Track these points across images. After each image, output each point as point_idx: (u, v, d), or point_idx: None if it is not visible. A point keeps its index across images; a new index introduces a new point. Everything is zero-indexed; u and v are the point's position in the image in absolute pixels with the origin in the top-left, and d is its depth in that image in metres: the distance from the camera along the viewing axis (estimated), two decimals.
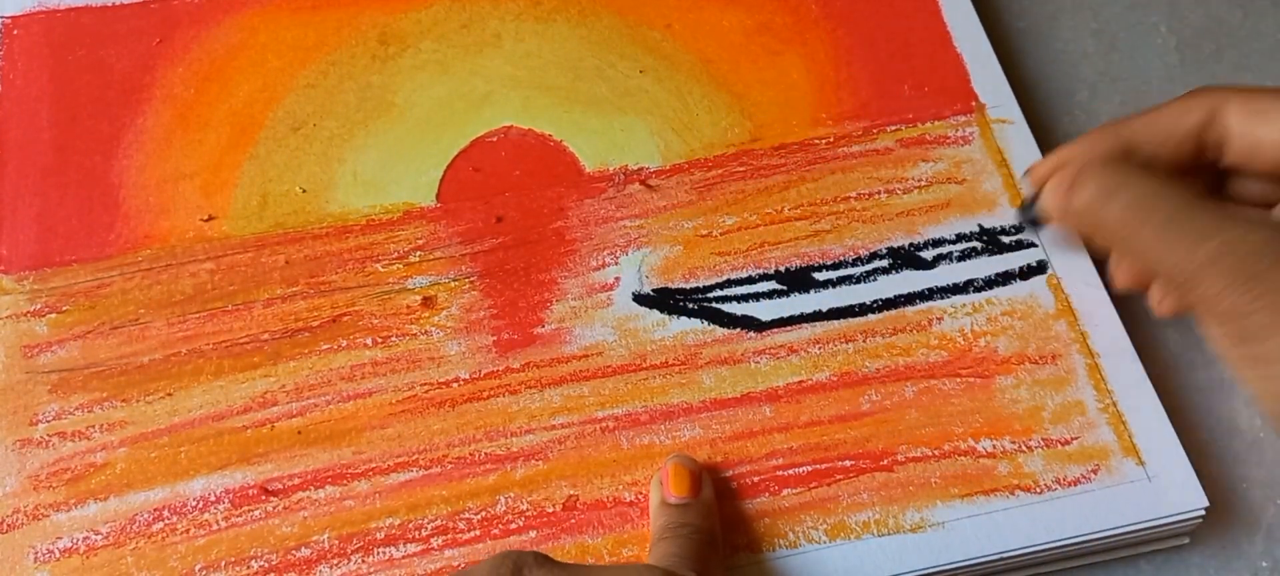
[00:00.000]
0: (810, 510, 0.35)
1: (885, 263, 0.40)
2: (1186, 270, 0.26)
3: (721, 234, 0.41)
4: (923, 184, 0.42)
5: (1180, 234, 0.26)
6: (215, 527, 0.35)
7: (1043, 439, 0.36)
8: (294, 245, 0.41)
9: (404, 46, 0.46)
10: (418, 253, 0.40)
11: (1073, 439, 0.36)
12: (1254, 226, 0.26)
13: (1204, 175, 0.32)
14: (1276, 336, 0.25)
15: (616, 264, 0.40)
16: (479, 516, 0.35)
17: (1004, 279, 0.40)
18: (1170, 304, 0.34)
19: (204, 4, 0.47)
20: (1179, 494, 0.35)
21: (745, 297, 0.39)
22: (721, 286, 0.40)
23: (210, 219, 0.41)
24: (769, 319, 0.39)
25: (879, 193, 0.42)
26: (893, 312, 0.39)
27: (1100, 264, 0.40)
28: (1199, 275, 0.26)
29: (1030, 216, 0.38)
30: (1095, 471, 0.35)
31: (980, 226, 0.41)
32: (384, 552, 0.34)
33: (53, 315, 0.39)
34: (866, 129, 0.43)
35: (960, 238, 0.41)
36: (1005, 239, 0.40)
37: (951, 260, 0.40)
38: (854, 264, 0.40)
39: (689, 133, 0.43)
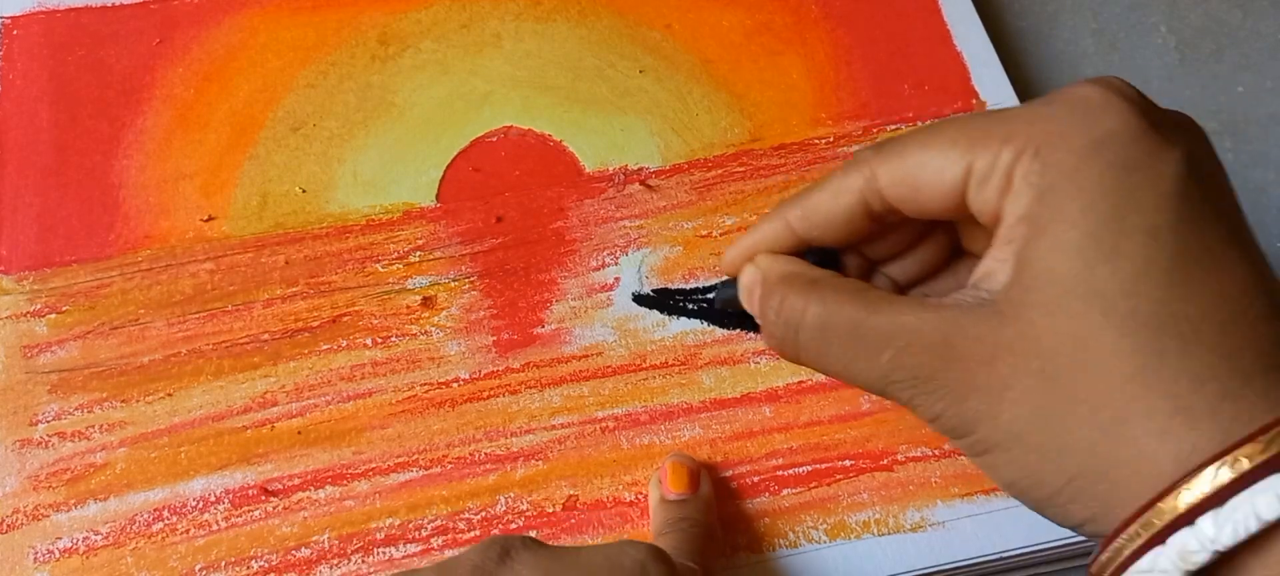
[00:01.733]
0: (810, 510, 0.35)
1: None
2: (877, 386, 0.25)
3: (721, 234, 0.41)
4: None
5: (857, 352, 0.25)
6: (215, 528, 0.35)
7: None
8: (294, 245, 0.41)
9: (404, 46, 0.46)
10: (418, 253, 0.40)
11: None
12: (921, 324, 0.24)
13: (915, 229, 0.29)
14: (974, 431, 0.23)
15: (616, 264, 0.40)
16: (479, 516, 0.35)
17: None
18: None
19: (204, 4, 0.47)
20: None
21: None
22: (721, 286, 0.40)
23: (210, 219, 0.41)
24: None
25: None
26: None
27: None
28: (887, 389, 0.24)
29: (729, 310, 0.32)
30: None
31: None
32: (384, 553, 0.34)
33: (53, 315, 0.39)
34: (866, 128, 0.43)
35: None
36: None
37: None
38: None
39: (689, 133, 0.43)
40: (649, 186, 0.42)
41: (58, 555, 0.34)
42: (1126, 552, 0.21)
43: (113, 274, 0.40)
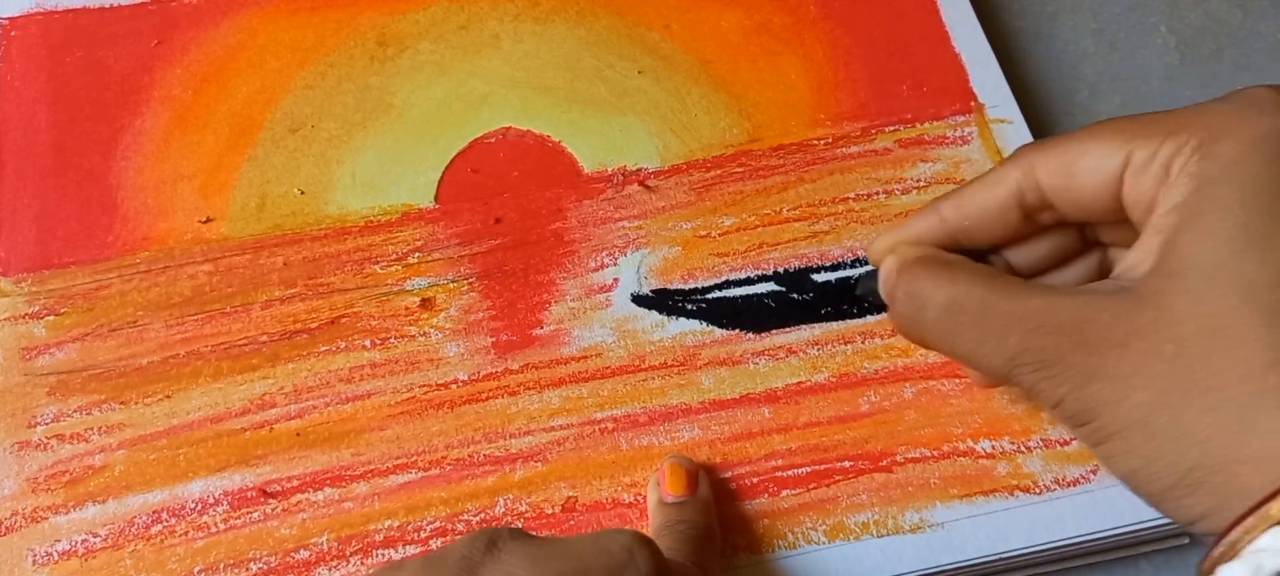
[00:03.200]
0: (809, 511, 0.35)
1: None
2: (1001, 370, 0.25)
3: (720, 235, 0.41)
4: (922, 184, 0.42)
5: (986, 334, 0.25)
6: (214, 530, 0.35)
7: (1042, 439, 0.36)
8: (292, 247, 0.41)
9: (402, 47, 0.46)
10: (416, 254, 0.40)
11: (1072, 439, 0.36)
12: (1053, 307, 0.24)
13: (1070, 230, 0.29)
14: (1096, 417, 0.23)
15: (615, 265, 0.40)
16: (478, 518, 0.35)
17: None
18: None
19: (202, 5, 0.47)
20: None
21: (744, 298, 0.39)
22: (720, 287, 0.40)
23: (208, 220, 0.41)
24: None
25: (878, 193, 0.42)
26: None
27: None
28: (1011, 373, 0.25)
29: (871, 292, 0.33)
30: (1095, 471, 0.35)
31: None
32: (383, 554, 0.34)
33: (51, 317, 0.39)
34: (865, 129, 0.43)
35: None
36: None
37: None
38: (853, 265, 0.40)
39: (687, 133, 0.43)
40: (648, 187, 0.42)
41: (56, 557, 0.34)
42: (1242, 545, 0.20)
43: (111, 276, 0.40)
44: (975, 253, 0.28)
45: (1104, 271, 0.28)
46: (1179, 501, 0.22)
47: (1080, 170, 0.25)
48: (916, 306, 0.27)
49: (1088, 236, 0.28)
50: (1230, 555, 0.21)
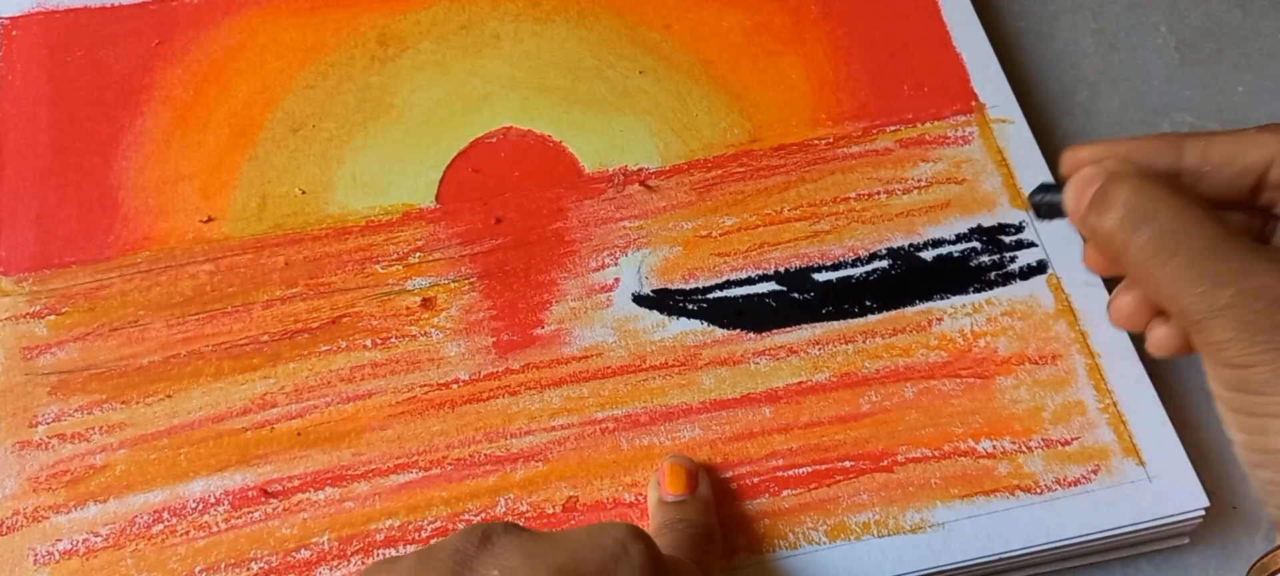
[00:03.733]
0: (810, 511, 0.35)
1: (885, 263, 0.40)
2: (1199, 313, 0.25)
3: (721, 235, 0.41)
4: (922, 184, 0.42)
5: (1201, 275, 0.25)
6: (215, 529, 0.35)
7: (1043, 439, 0.36)
8: (293, 246, 0.41)
9: (403, 48, 0.46)
10: (417, 254, 0.40)
11: (1073, 439, 0.36)
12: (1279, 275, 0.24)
13: (1254, 214, 0.29)
14: (1273, 394, 0.23)
15: (616, 265, 0.40)
16: (478, 518, 0.35)
17: (1004, 279, 0.40)
18: (1172, 345, 0.31)
19: (203, 5, 0.47)
20: (1179, 494, 0.35)
21: (745, 298, 0.39)
22: (721, 287, 0.40)
23: (209, 220, 0.41)
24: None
25: (879, 193, 0.42)
26: (892, 313, 0.39)
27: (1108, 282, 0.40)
28: (1211, 320, 0.24)
29: (1046, 203, 0.31)
30: (1095, 471, 0.35)
31: (980, 226, 0.41)
32: (384, 554, 0.34)
33: (52, 317, 0.39)
34: (866, 129, 0.43)
35: (960, 238, 0.41)
36: (1005, 238, 0.40)
37: (951, 260, 0.40)
38: (854, 264, 0.40)
39: (688, 133, 0.43)
40: (648, 187, 0.42)
41: (58, 557, 0.34)
42: None
43: (112, 275, 0.40)
44: None
45: None
46: None
47: None
48: (1135, 220, 0.25)
49: (1265, 228, 0.29)
50: None
